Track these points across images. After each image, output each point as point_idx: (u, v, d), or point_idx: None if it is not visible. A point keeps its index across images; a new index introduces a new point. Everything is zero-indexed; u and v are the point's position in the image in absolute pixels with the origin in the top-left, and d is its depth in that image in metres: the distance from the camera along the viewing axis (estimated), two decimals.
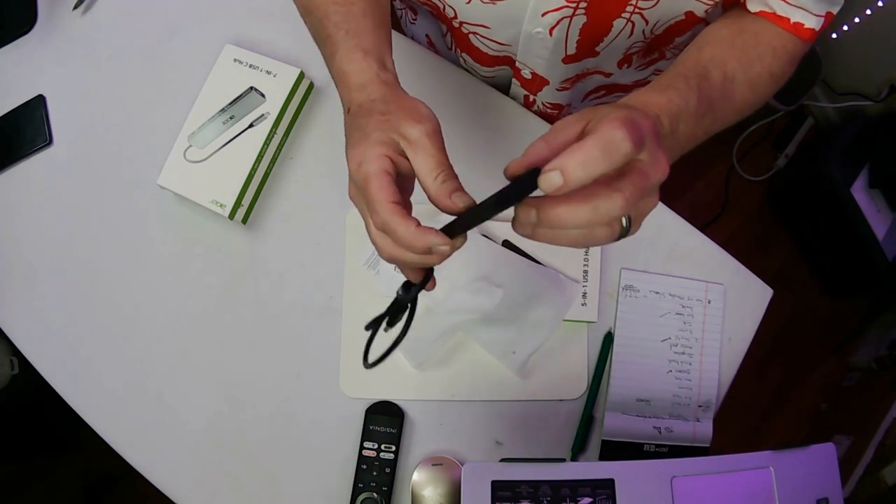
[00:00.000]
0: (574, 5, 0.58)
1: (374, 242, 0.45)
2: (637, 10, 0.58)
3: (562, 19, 0.60)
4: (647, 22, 0.60)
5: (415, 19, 0.84)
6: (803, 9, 0.55)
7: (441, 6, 0.68)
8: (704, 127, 0.52)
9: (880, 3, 1.42)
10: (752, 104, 0.58)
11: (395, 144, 0.44)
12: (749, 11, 0.57)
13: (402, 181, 0.46)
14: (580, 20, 0.60)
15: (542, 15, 0.60)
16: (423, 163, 0.43)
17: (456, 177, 0.44)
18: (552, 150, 0.38)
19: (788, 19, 0.56)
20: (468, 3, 0.63)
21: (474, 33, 0.69)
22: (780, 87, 0.59)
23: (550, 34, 0.62)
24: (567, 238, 0.39)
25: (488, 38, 0.69)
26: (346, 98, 0.49)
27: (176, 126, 0.73)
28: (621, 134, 0.35)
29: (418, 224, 0.42)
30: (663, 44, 0.67)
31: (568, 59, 0.67)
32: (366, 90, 0.47)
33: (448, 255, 0.43)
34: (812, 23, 0.56)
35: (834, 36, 1.57)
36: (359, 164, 0.44)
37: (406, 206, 0.44)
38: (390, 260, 0.45)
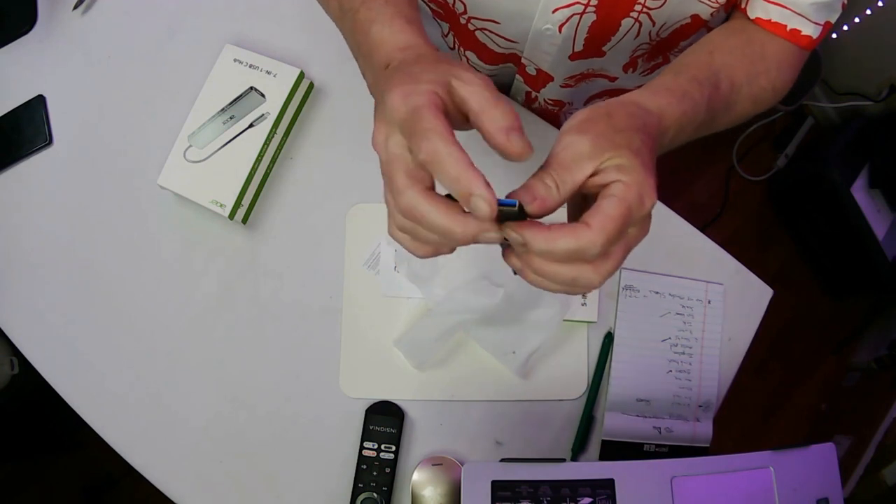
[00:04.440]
0: (585, 2, 0.58)
1: (396, 194, 0.39)
2: (645, 10, 0.58)
3: (572, 16, 0.60)
4: (653, 23, 0.60)
5: None
6: (802, 16, 0.55)
7: (451, 1, 0.67)
8: (699, 133, 0.52)
9: (880, 3, 1.42)
10: (748, 116, 0.58)
11: (446, 84, 0.39)
12: (749, 19, 0.58)
13: None
14: (590, 18, 0.60)
15: (553, 11, 0.59)
16: (477, 94, 0.39)
17: (518, 116, 0.39)
18: (562, 198, 0.39)
19: (785, 26, 0.56)
20: None
21: (482, 29, 0.69)
22: (778, 101, 0.60)
23: (560, 31, 0.62)
24: (551, 287, 0.41)
25: (496, 34, 0.69)
26: (384, 57, 0.45)
27: (176, 126, 0.73)
28: (596, 245, 0.38)
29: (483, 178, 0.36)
30: (668, 48, 0.68)
31: (574, 57, 0.67)
32: (413, 49, 0.44)
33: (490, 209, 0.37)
34: (810, 30, 0.56)
35: (834, 36, 1.57)
36: (406, 95, 0.38)
37: None
38: (411, 217, 0.39)
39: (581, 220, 0.39)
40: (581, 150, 0.40)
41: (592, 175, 0.40)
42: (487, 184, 0.36)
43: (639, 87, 0.77)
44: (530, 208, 0.38)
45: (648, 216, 0.41)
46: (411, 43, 0.45)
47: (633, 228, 0.40)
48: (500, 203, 0.37)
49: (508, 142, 0.38)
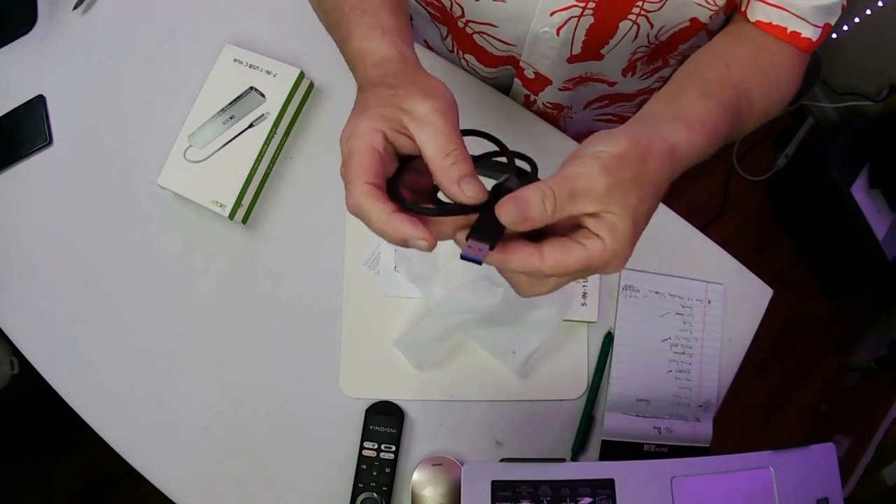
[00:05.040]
0: (583, 5, 0.58)
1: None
2: (643, 13, 0.58)
3: (570, 19, 0.60)
4: (651, 25, 0.60)
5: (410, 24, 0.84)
6: (802, 18, 0.55)
7: (448, 5, 0.67)
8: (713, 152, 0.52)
9: (880, 3, 1.42)
10: (755, 127, 0.58)
11: (395, 120, 0.40)
12: (749, 21, 0.57)
13: (417, 168, 0.43)
14: (587, 20, 0.60)
15: (551, 14, 0.60)
16: (429, 140, 0.39)
17: (469, 160, 0.40)
18: (550, 221, 0.39)
19: (785, 28, 0.56)
20: (477, 0, 0.63)
21: (480, 33, 0.69)
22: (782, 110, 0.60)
23: (558, 34, 0.62)
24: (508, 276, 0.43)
25: (494, 38, 0.69)
26: (360, 77, 0.46)
27: (176, 126, 0.73)
28: (541, 274, 0.39)
29: (398, 208, 0.38)
30: (667, 51, 0.67)
31: (573, 60, 0.67)
32: (383, 66, 0.44)
33: (431, 249, 0.39)
34: (809, 32, 0.56)
35: (834, 36, 1.57)
36: (348, 137, 0.40)
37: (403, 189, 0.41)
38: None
39: (541, 245, 0.39)
40: (595, 189, 0.39)
41: (589, 214, 0.40)
42: (415, 221, 0.38)
43: (641, 90, 0.77)
44: (517, 228, 0.38)
45: (605, 273, 0.41)
46: (385, 57, 0.45)
47: (583, 274, 0.41)
48: (471, 234, 0.39)
49: (461, 192, 0.39)
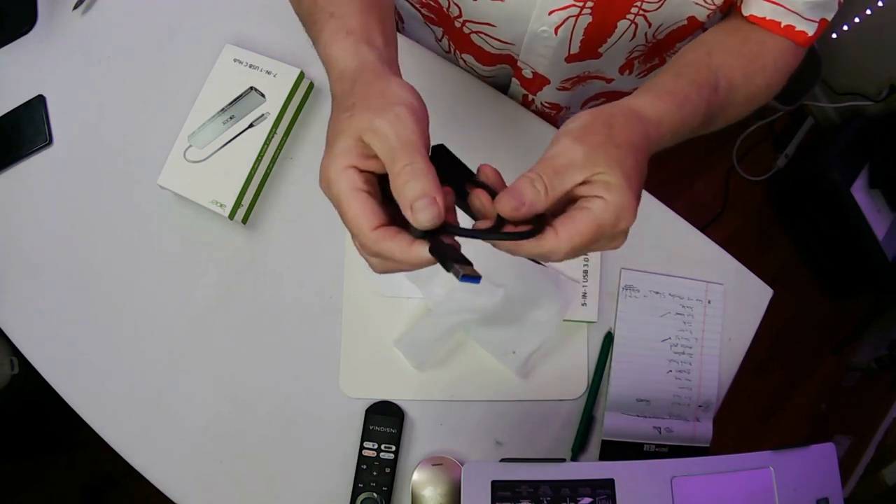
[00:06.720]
0: (581, 4, 0.58)
1: (363, 256, 0.42)
2: (641, 12, 0.58)
3: (568, 18, 0.60)
4: (649, 24, 0.60)
5: (402, 27, 0.84)
6: (795, 13, 0.55)
7: (446, 5, 0.67)
8: (694, 135, 0.53)
9: (880, 3, 1.43)
10: (742, 116, 0.59)
11: (360, 148, 0.40)
12: (743, 16, 0.58)
13: None
14: (585, 20, 0.60)
15: (549, 13, 0.60)
16: (385, 154, 0.38)
17: (427, 175, 0.38)
18: (548, 203, 0.41)
19: (779, 23, 0.56)
20: (476, 0, 0.63)
21: (478, 32, 0.69)
22: (770, 99, 0.60)
23: (556, 33, 0.62)
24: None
25: (492, 37, 0.69)
26: (331, 90, 0.45)
27: (176, 126, 0.73)
28: (560, 253, 0.40)
29: (412, 238, 0.39)
30: (665, 49, 0.68)
31: (570, 59, 0.67)
32: (342, 81, 0.44)
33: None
34: (804, 27, 0.56)
35: (834, 36, 1.57)
36: (327, 185, 0.40)
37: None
38: (384, 272, 0.42)
39: (552, 224, 0.41)
40: (575, 159, 0.41)
41: (581, 184, 0.41)
42: (422, 241, 0.39)
43: (634, 88, 0.77)
44: (517, 214, 0.40)
45: (623, 233, 0.42)
46: (343, 69, 0.44)
47: (603, 241, 0.42)
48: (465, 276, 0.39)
49: (414, 219, 0.38)
